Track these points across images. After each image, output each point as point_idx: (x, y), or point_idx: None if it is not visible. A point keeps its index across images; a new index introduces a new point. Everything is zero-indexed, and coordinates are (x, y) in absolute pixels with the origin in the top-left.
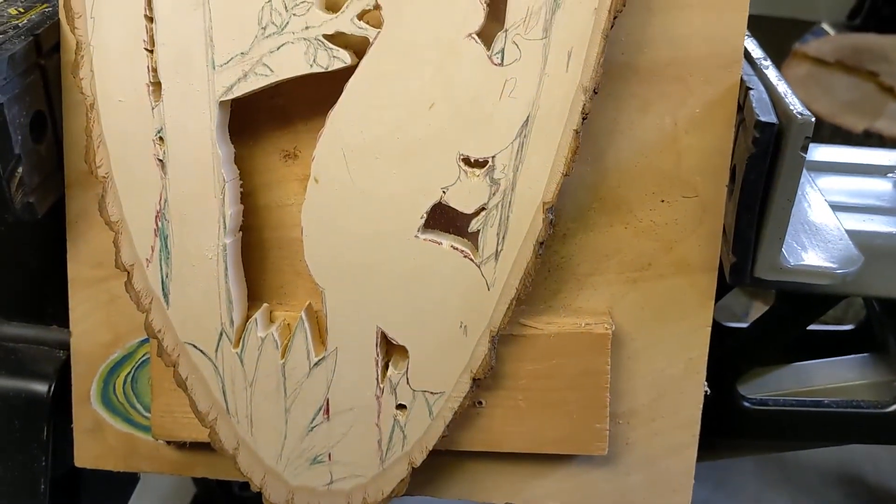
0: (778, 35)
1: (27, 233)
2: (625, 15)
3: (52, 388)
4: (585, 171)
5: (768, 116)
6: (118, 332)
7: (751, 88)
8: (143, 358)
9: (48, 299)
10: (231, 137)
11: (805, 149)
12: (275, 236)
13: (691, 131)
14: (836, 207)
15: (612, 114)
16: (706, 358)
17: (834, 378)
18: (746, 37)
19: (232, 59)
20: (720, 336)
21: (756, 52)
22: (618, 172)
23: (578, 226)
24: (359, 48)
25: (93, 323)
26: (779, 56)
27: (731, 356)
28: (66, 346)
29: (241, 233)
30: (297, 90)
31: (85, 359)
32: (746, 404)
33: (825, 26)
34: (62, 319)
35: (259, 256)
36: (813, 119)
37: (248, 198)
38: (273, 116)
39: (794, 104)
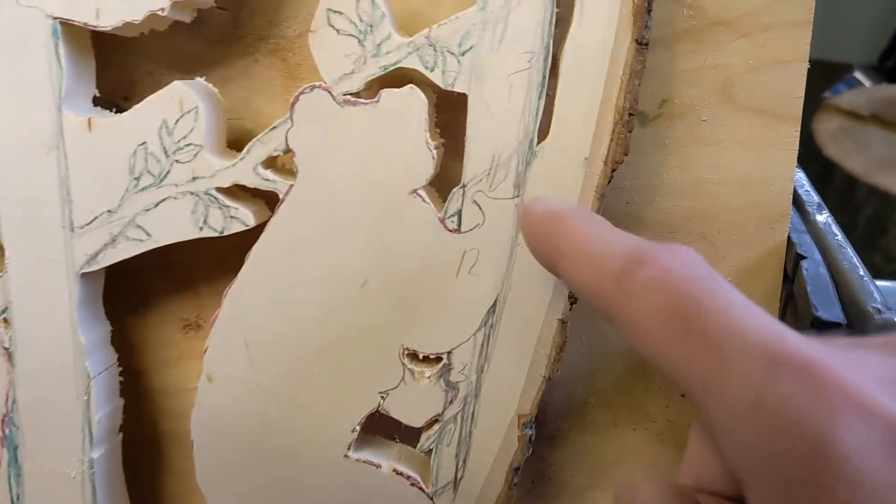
0: (807, 79)
1: None
2: (630, 153)
3: None
4: (580, 357)
5: (831, 312)
6: None
7: (803, 257)
8: None
9: None
10: (114, 302)
11: None
12: (173, 429)
13: None
14: None
15: None
16: None
17: None
18: (796, 174)
19: (96, 218)
20: None
21: (810, 197)
22: (623, 358)
23: (572, 425)
24: (274, 199)
25: None
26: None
27: None
28: None
29: (120, 434)
30: (199, 243)
31: None
32: None
33: (858, 75)
34: None
35: (153, 455)
36: None
37: (139, 379)
38: (170, 277)
39: (869, 289)
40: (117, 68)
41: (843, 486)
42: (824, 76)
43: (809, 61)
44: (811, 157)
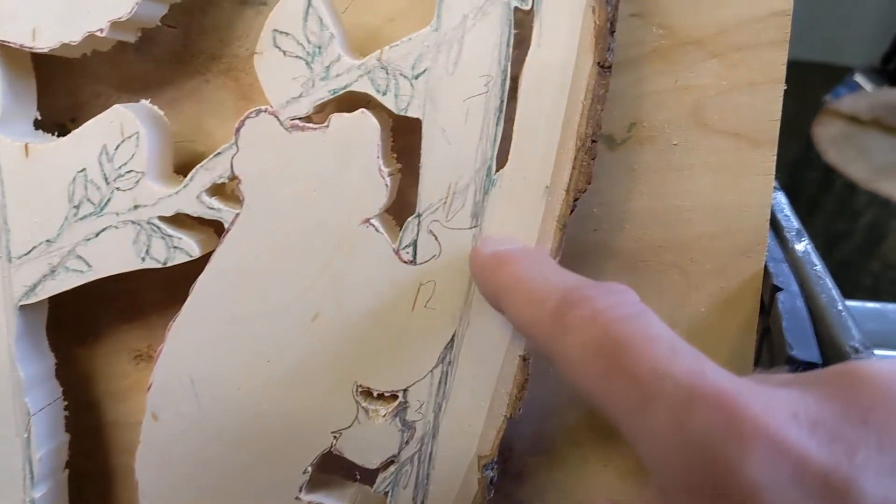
0: (807, 82)
1: None
2: (597, 178)
3: None
4: (547, 392)
5: (807, 351)
6: None
7: (779, 288)
8: None
9: None
10: (62, 333)
11: None
12: (126, 463)
13: (694, 340)
14: None
15: None
16: None
17: None
18: (774, 196)
19: (34, 248)
20: None
21: (789, 222)
22: None
23: (541, 462)
24: (221, 228)
25: None
26: (808, 106)
27: None
28: None
29: (65, 471)
30: (150, 270)
31: None
32: None
33: (859, 78)
34: None
35: (106, 490)
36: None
37: (90, 412)
38: (119, 306)
39: (847, 326)
40: (63, 89)
41: None
42: (825, 79)
43: (810, 64)
44: (811, 163)
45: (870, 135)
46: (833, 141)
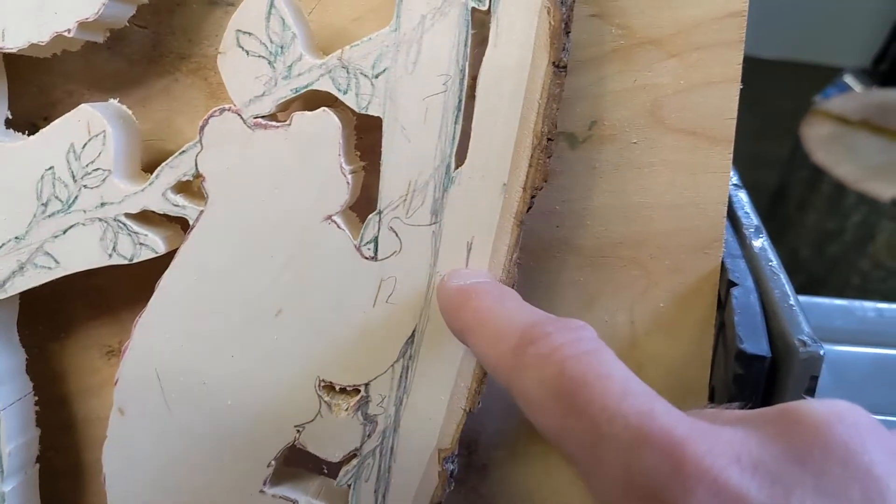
0: (797, 82)
1: None
2: (559, 176)
3: None
4: None
5: (756, 345)
6: None
7: (734, 283)
8: None
9: None
10: (34, 328)
11: (812, 391)
12: (98, 458)
13: (654, 334)
14: None
15: (544, 307)
16: None
17: None
18: (734, 195)
19: (3, 245)
20: None
21: (749, 219)
22: None
23: (504, 456)
24: (188, 225)
25: None
26: (799, 106)
27: None
28: None
29: (36, 465)
30: (120, 267)
31: None
32: None
33: (848, 79)
34: None
35: (78, 485)
36: (823, 352)
37: (62, 407)
38: (90, 302)
39: (798, 321)
40: (35, 88)
41: None
42: (815, 80)
43: (800, 64)
44: (799, 163)
45: (859, 135)
46: (822, 141)
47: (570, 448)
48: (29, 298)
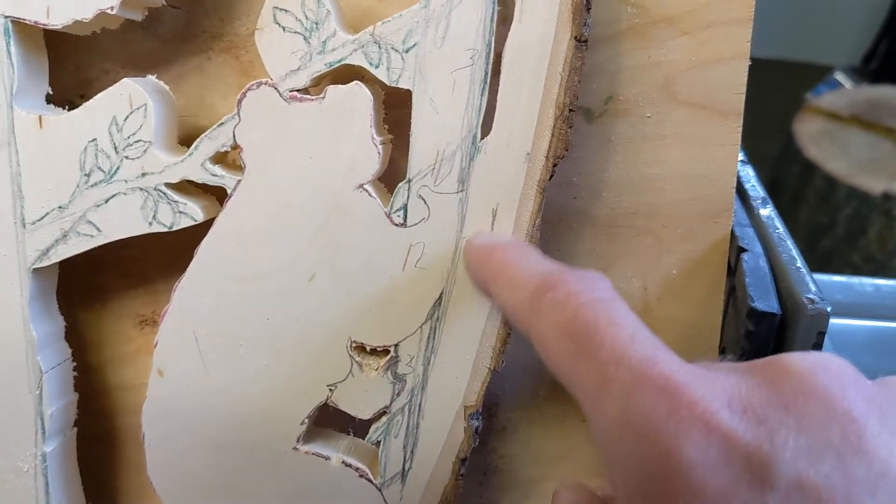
0: (789, 81)
1: None
2: (576, 149)
3: None
4: (529, 349)
5: (766, 302)
6: None
7: (744, 249)
8: None
9: None
10: (70, 298)
11: (819, 346)
12: (130, 424)
13: (666, 299)
14: None
15: None
16: None
17: None
18: (741, 169)
19: (47, 214)
20: None
21: (756, 191)
22: None
23: (522, 417)
24: (224, 195)
25: None
26: (791, 103)
27: None
28: None
29: (74, 429)
30: (154, 239)
31: None
32: None
33: (839, 76)
34: None
35: (110, 451)
36: (829, 308)
37: (96, 375)
38: (125, 273)
39: (805, 281)
40: (72, 66)
41: (685, 493)
42: (807, 78)
43: (792, 63)
44: (791, 158)
45: (849, 131)
46: (814, 137)
47: (579, 388)
48: (65, 269)
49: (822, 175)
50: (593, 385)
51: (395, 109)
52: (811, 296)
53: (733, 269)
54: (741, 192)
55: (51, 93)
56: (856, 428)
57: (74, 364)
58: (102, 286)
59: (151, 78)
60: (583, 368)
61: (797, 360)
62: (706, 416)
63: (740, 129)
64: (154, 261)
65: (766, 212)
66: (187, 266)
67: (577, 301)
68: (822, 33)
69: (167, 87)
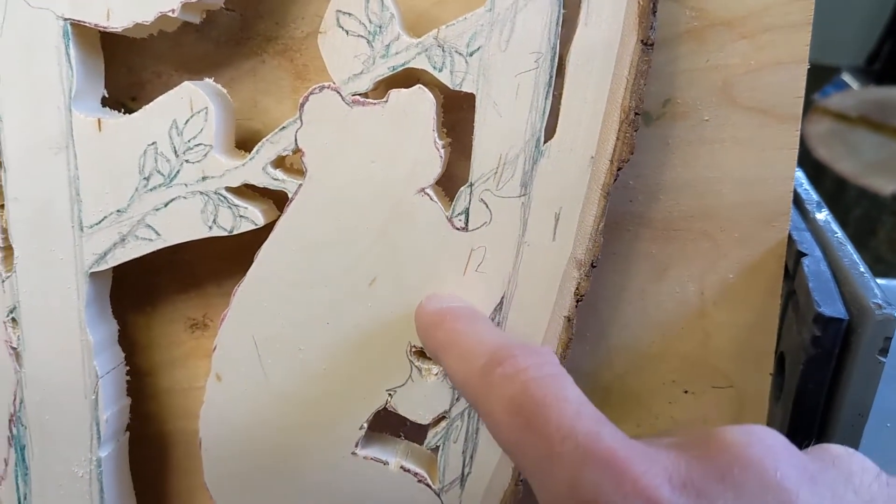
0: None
1: None
2: (635, 152)
3: None
4: (583, 354)
5: (833, 307)
6: None
7: (804, 254)
8: None
9: None
10: (122, 302)
11: (885, 352)
12: (181, 428)
13: (722, 304)
14: None
15: (617, 279)
16: None
17: None
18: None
19: (105, 218)
20: None
21: (809, 195)
22: (625, 355)
23: None
24: (283, 199)
25: None
26: None
27: None
28: None
29: (127, 433)
30: (206, 243)
31: None
32: None
33: (846, 77)
34: None
35: (161, 454)
36: None
37: (146, 379)
38: (176, 276)
39: (870, 286)
40: (125, 69)
41: None
42: (813, 79)
43: None
44: (801, 159)
45: (858, 132)
46: (823, 138)
47: (526, 462)
48: (117, 272)
49: (831, 176)
50: (541, 458)
51: (450, 113)
52: (878, 301)
53: (792, 273)
54: (795, 195)
55: (106, 96)
56: (788, 497)
57: (127, 368)
58: (154, 289)
59: (209, 81)
60: (531, 442)
61: (731, 433)
62: (648, 492)
63: (798, 133)
64: (206, 264)
65: (822, 216)
66: (239, 270)
67: (526, 376)
68: (826, 35)
69: (225, 91)
